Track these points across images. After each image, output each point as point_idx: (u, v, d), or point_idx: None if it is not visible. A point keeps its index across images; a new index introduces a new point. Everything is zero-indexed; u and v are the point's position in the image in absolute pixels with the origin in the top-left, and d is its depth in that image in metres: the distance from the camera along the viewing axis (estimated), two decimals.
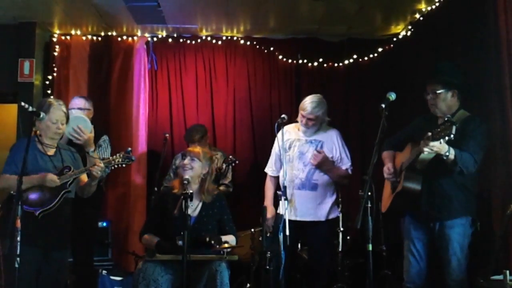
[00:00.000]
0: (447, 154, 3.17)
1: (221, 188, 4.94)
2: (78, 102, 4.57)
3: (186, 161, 3.76)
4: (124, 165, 3.68)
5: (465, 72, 3.72)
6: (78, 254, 4.42)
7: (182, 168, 3.77)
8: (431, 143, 3.08)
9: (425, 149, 3.14)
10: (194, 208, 3.72)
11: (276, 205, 4.20)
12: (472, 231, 3.45)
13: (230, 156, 5.15)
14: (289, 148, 4.24)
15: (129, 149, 3.71)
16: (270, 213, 4.16)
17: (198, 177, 3.77)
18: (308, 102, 4.14)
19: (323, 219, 4.17)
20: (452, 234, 3.39)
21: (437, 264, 3.52)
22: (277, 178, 4.34)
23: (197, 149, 3.87)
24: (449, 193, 3.41)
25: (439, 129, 3.03)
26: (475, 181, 3.48)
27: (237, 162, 5.14)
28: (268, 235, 3.95)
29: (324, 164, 4.16)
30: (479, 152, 3.32)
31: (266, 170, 4.43)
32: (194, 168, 3.74)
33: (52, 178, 3.43)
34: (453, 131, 2.95)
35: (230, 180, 5.15)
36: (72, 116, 3.93)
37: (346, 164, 4.26)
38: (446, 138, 2.99)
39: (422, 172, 3.41)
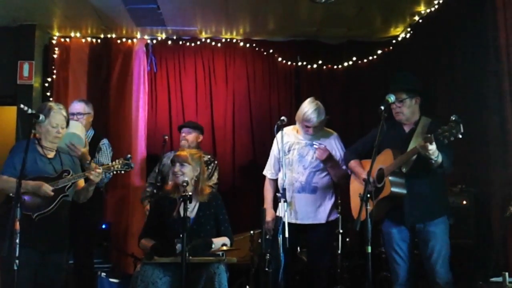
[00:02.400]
0: (436, 158, 3.24)
1: None
2: (78, 107, 4.50)
3: (176, 168, 3.75)
4: (123, 172, 3.69)
5: (422, 81, 3.88)
6: (79, 257, 4.41)
7: (174, 175, 3.77)
8: (430, 146, 3.14)
9: (424, 150, 3.18)
10: (191, 209, 3.72)
11: (275, 207, 4.19)
12: (449, 227, 3.56)
13: (209, 156, 5.09)
14: (289, 151, 4.21)
15: (129, 155, 3.70)
16: (269, 215, 4.15)
17: (192, 179, 3.77)
18: (310, 113, 4.08)
19: (323, 221, 4.16)
20: (437, 231, 3.48)
21: (420, 263, 3.60)
22: (276, 180, 4.33)
23: (184, 152, 3.85)
24: (428, 194, 3.50)
25: (444, 129, 3.06)
26: (445, 180, 3.63)
27: (215, 162, 5.11)
28: (267, 237, 3.94)
29: (329, 160, 4.15)
30: (452, 151, 3.39)
31: (264, 172, 4.42)
32: (185, 173, 3.74)
33: (47, 190, 3.40)
34: (462, 129, 2.99)
35: (215, 182, 5.04)
36: (65, 133, 3.76)
37: (345, 165, 4.25)
38: (452, 138, 3.03)
39: (406, 175, 3.46)
